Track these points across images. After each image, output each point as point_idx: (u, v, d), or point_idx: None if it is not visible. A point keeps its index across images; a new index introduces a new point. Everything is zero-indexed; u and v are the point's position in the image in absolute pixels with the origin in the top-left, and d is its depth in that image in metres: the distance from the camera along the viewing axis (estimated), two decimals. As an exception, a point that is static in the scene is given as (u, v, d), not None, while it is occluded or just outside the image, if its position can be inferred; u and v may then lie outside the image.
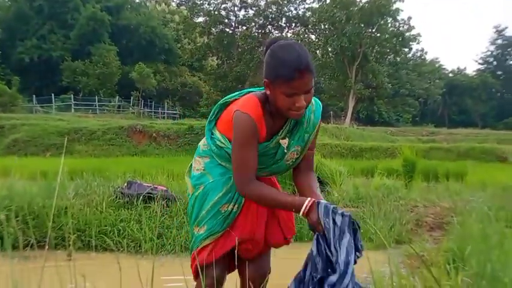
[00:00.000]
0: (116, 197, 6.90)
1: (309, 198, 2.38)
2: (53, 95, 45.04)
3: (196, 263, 2.68)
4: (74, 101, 45.43)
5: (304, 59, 2.35)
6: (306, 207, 2.34)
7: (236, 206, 2.73)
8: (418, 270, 4.58)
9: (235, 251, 2.66)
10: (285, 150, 2.65)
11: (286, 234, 2.93)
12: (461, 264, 3.83)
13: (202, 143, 2.86)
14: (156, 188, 7.00)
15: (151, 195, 6.78)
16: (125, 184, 7.18)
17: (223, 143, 2.67)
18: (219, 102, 2.78)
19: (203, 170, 2.81)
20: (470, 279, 2.97)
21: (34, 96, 44.92)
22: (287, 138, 2.65)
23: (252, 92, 2.68)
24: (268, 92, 2.47)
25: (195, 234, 2.78)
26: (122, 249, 6.00)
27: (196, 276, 2.76)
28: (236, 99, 2.69)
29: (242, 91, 2.75)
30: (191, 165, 2.95)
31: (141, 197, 6.70)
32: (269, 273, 2.95)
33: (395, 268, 3.35)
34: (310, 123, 2.65)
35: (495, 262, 3.06)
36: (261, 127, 2.52)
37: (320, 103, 2.74)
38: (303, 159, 2.73)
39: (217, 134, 2.72)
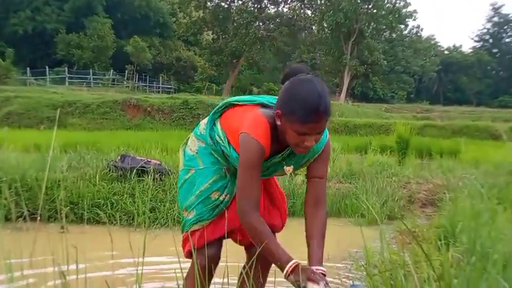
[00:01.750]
0: (109, 170, 6.90)
1: (292, 261, 2.30)
2: (47, 67, 44.82)
3: (188, 244, 2.70)
4: (68, 73, 45.24)
5: (323, 103, 2.29)
6: (287, 270, 2.28)
7: (228, 196, 2.72)
8: (409, 245, 4.62)
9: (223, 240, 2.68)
10: (284, 168, 2.64)
11: (282, 217, 2.95)
12: (452, 241, 3.85)
13: (203, 125, 2.82)
14: (150, 161, 7.00)
15: (145, 168, 6.78)
16: (118, 157, 7.17)
17: (221, 140, 2.65)
18: (229, 101, 2.73)
19: (196, 153, 2.80)
20: (461, 255, 2.99)
21: (28, 68, 44.66)
22: (292, 166, 2.64)
23: (263, 103, 2.62)
24: (278, 123, 2.42)
25: (184, 218, 2.78)
26: (114, 223, 6.03)
27: (188, 256, 2.76)
28: (246, 105, 2.65)
29: (255, 99, 2.67)
30: (189, 138, 2.94)
31: (135, 171, 6.70)
32: None
33: (387, 244, 3.36)
34: (311, 151, 2.59)
35: (485, 239, 3.08)
36: (267, 152, 2.49)
37: (327, 132, 2.65)
38: (313, 188, 2.64)
39: (218, 127, 2.69)
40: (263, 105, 2.60)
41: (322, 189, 2.67)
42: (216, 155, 2.72)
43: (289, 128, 2.35)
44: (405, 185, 8.01)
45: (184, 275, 2.73)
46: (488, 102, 72.21)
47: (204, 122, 2.83)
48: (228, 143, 2.62)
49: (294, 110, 2.30)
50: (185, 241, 2.79)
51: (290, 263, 2.28)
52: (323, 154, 2.63)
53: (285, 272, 2.28)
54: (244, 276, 2.21)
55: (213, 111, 2.75)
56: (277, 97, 2.63)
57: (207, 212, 2.70)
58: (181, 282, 2.49)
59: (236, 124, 2.57)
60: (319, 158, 2.63)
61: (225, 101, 2.75)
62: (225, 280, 2.08)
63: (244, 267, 2.82)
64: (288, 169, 2.62)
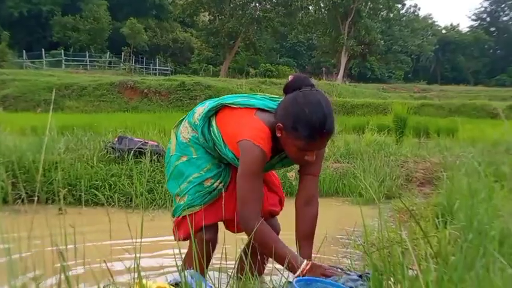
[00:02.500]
0: (107, 152, 6.88)
1: (305, 263, 2.29)
2: (43, 50, 44.66)
3: (182, 228, 2.73)
4: (65, 56, 45.16)
5: (328, 124, 2.31)
6: (302, 271, 2.26)
7: (222, 184, 2.73)
8: (406, 224, 4.64)
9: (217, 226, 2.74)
10: (288, 175, 2.67)
11: (281, 199, 2.99)
12: (449, 218, 3.86)
13: (198, 114, 2.78)
14: (147, 143, 6.98)
15: (142, 150, 6.76)
16: (116, 139, 7.16)
17: (217, 138, 2.63)
18: (224, 101, 2.69)
19: (188, 141, 2.78)
20: (458, 232, 3.00)
21: (24, 51, 44.49)
22: (294, 173, 2.66)
23: (259, 108, 2.60)
24: (278, 135, 2.41)
25: (176, 203, 2.78)
26: (113, 204, 6.03)
27: (179, 239, 2.75)
28: (241, 108, 2.61)
29: (251, 102, 2.62)
30: (182, 121, 2.92)
31: (132, 152, 6.68)
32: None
33: (384, 222, 3.38)
34: None
35: (482, 216, 3.08)
36: (267, 157, 2.48)
37: None
38: (306, 186, 2.68)
39: (214, 126, 2.67)
40: (259, 110, 2.58)
41: (315, 186, 2.71)
42: (208, 150, 2.72)
43: (291, 142, 2.37)
44: (403, 164, 8.01)
45: (183, 256, 2.75)
46: (485, 81, 72.17)
47: (199, 112, 2.78)
48: (224, 143, 2.61)
49: (298, 128, 2.31)
50: (176, 226, 2.79)
51: (303, 265, 2.27)
52: (319, 152, 2.62)
53: (298, 273, 2.25)
54: (244, 255, 2.21)
55: (207, 109, 2.70)
56: (272, 100, 2.63)
57: (199, 198, 2.70)
58: (179, 262, 2.50)
59: (233, 129, 2.55)
60: (319, 155, 2.63)
61: (220, 100, 2.72)
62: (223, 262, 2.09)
63: (244, 249, 2.84)
64: (291, 174, 2.66)
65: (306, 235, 2.60)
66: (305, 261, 2.28)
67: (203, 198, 2.70)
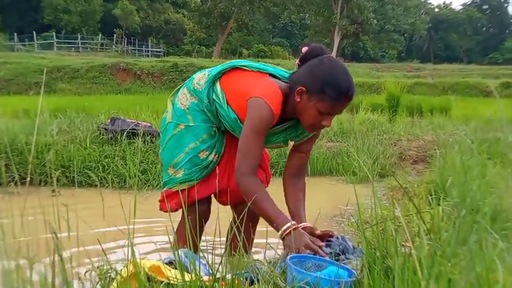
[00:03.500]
0: (100, 133, 6.88)
1: (289, 223, 2.32)
2: (34, 33, 44.31)
3: (175, 200, 2.72)
4: (56, 39, 44.81)
5: (353, 87, 2.39)
6: (283, 231, 2.31)
7: (216, 156, 2.75)
8: (400, 201, 4.65)
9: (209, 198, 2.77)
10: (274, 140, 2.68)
11: (267, 174, 3.01)
12: (442, 195, 3.87)
13: (198, 79, 2.78)
14: (140, 124, 6.97)
15: (135, 131, 6.75)
16: (109, 120, 7.15)
17: (219, 100, 2.62)
18: (235, 63, 2.69)
19: (187, 108, 2.76)
20: (451, 209, 3.01)
21: (15, 34, 44.16)
22: (292, 142, 2.68)
23: (272, 74, 2.61)
24: (297, 99, 2.42)
25: (170, 175, 2.78)
26: (106, 185, 6.03)
27: (171, 210, 2.76)
28: (253, 71, 2.62)
29: (264, 67, 2.64)
30: (178, 90, 2.91)
31: (125, 133, 6.67)
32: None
33: (378, 200, 3.38)
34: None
35: (475, 192, 3.10)
36: (273, 121, 2.49)
37: None
38: (296, 161, 2.75)
39: (218, 87, 2.66)
40: (271, 75, 2.60)
41: (305, 161, 2.81)
42: (208, 114, 2.70)
43: (313, 106, 2.38)
44: (396, 143, 8.02)
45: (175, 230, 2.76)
46: (478, 59, 72.15)
47: (199, 77, 2.78)
48: (227, 103, 2.60)
49: (325, 90, 2.34)
50: (167, 196, 2.77)
51: (286, 225, 2.30)
52: (317, 133, 2.73)
53: (280, 233, 2.32)
54: (236, 231, 2.22)
55: (216, 71, 2.70)
56: (283, 70, 2.65)
57: (196, 173, 2.71)
58: (172, 237, 2.50)
59: (242, 88, 2.55)
60: (314, 135, 2.72)
61: (231, 62, 2.71)
62: (217, 239, 2.09)
63: (231, 224, 2.85)
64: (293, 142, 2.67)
65: (297, 207, 2.65)
66: (288, 223, 2.31)
67: (201, 172, 2.72)
